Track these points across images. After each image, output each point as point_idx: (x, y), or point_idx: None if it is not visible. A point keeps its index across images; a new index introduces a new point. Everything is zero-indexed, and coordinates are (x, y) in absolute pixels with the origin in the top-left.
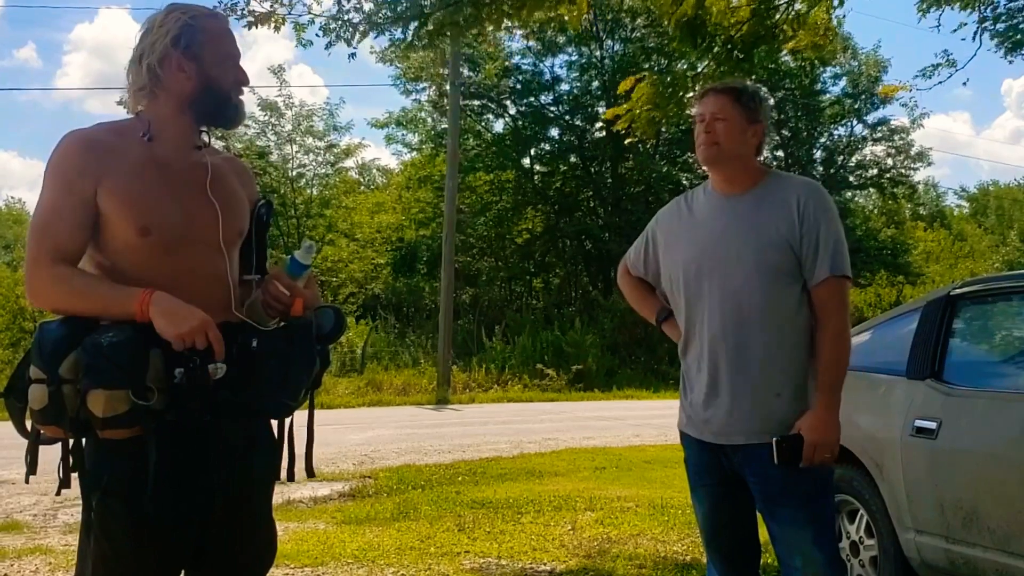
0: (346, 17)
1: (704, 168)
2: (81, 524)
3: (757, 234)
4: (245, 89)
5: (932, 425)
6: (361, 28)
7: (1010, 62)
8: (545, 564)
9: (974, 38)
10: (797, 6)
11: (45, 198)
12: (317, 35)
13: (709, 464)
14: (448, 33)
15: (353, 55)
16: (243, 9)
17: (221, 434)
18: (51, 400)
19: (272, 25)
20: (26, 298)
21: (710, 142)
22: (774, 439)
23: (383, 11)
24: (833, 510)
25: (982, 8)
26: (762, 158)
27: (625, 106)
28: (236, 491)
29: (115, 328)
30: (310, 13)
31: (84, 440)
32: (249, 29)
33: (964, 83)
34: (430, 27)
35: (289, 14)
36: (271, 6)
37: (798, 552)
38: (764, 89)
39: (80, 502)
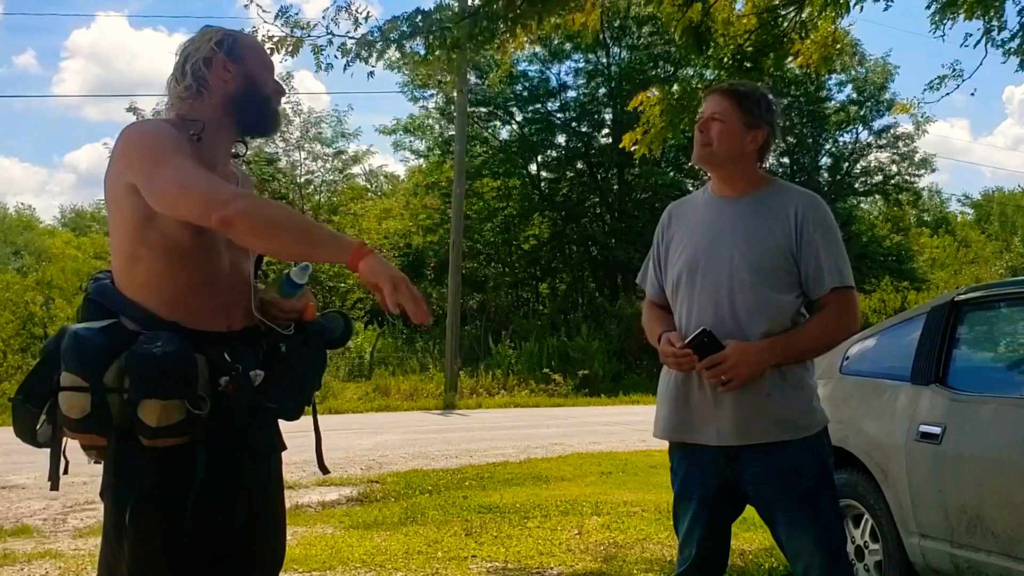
0: (359, 35)
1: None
2: (105, 530)
3: (751, 238)
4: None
5: (937, 430)
6: (378, 46)
7: None
8: (552, 568)
9: (975, 45)
10: (803, 14)
11: (169, 160)
12: (336, 56)
13: (697, 475)
14: (467, 47)
15: (372, 73)
16: (263, 36)
17: (247, 438)
18: (94, 409)
19: (289, 49)
20: (213, 222)
21: (702, 142)
22: (702, 328)
23: (399, 27)
24: (837, 512)
25: (987, 19)
26: (766, 164)
27: (640, 129)
28: (260, 493)
29: (162, 337)
30: (328, 33)
31: (119, 447)
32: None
33: (972, 93)
34: (448, 42)
35: (308, 36)
36: (290, 31)
37: (800, 556)
38: (772, 95)
39: (86, 507)
